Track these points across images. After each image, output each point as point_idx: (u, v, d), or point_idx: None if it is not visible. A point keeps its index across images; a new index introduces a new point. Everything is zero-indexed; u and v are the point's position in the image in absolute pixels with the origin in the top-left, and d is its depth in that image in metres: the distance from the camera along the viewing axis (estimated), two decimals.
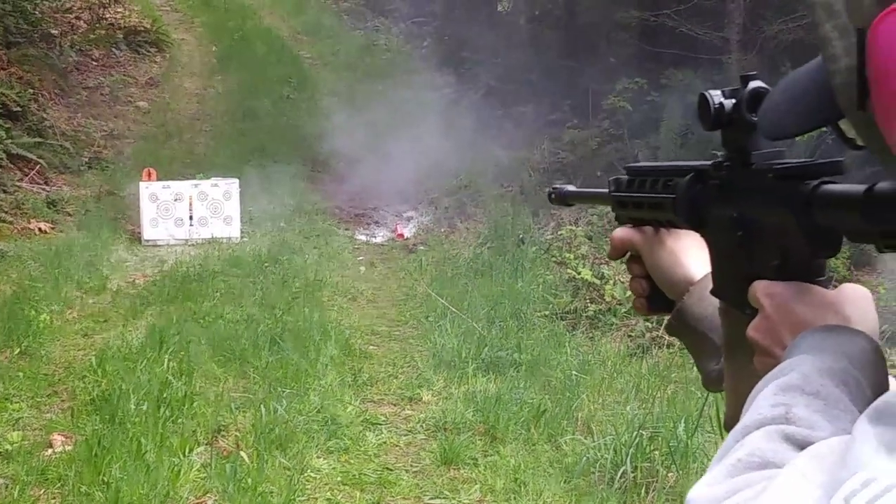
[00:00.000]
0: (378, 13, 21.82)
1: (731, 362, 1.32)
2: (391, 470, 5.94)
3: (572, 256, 9.73)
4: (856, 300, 1.21)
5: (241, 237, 11.12)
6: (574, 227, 10.63)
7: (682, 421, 6.01)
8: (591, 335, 8.45)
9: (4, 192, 11.15)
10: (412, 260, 10.73)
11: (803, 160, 1.24)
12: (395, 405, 6.92)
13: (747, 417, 1.05)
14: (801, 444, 0.96)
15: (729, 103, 1.31)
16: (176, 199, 11.04)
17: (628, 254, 1.62)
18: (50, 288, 8.88)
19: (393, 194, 13.11)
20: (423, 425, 6.56)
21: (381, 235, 11.92)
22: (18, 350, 7.43)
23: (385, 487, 5.72)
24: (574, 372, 7.30)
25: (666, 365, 7.51)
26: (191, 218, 11.07)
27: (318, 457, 5.99)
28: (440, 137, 13.42)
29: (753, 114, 1.28)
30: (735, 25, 12.97)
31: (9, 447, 5.89)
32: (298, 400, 6.63)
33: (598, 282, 9.01)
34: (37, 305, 8.34)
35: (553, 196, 1.90)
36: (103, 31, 17.19)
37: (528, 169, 13.47)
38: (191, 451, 5.87)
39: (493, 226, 11.55)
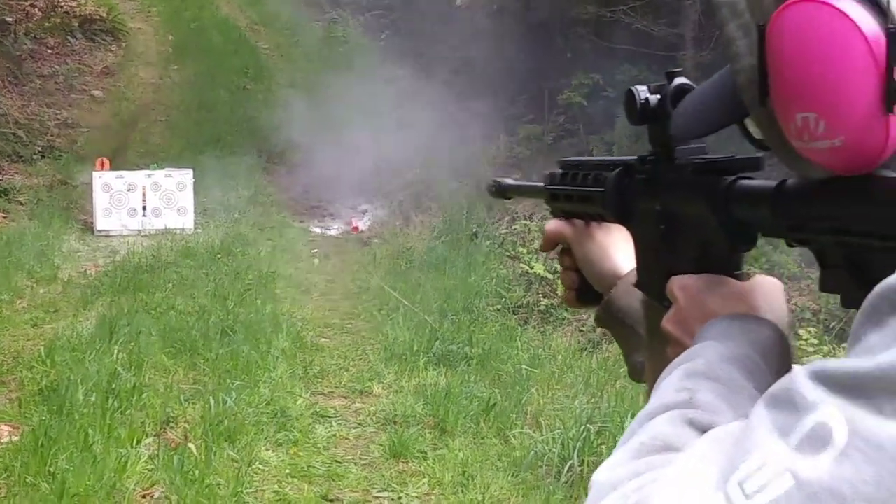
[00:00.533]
0: (336, 5, 21.74)
1: (652, 354, 1.34)
2: (340, 462, 5.95)
3: (525, 251, 9.77)
4: (766, 291, 1.23)
5: (195, 228, 11.09)
6: (528, 222, 10.66)
7: (630, 416, 6.03)
8: (542, 329, 8.49)
9: None
10: (366, 253, 10.74)
11: (723, 155, 1.26)
12: (345, 398, 6.92)
13: (652, 402, 1.07)
14: (704, 429, 0.98)
15: (654, 99, 1.32)
16: (129, 190, 10.99)
17: (559, 246, 1.63)
18: None
19: (349, 187, 13.09)
20: (373, 418, 6.57)
21: (335, 228, 11.91)
22: None
23: (333, 480, 5.72)
24: (524, 366, 7.32)
25: (615, 360, 7.54)
26: (144, 208, 11.03)
27: (266, 449, 5.99)
28: (397, 130, 13.42)
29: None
30: (690, 22, 13.03)
31: None
32: (248, 392, 6.62)
33: (550, 276, 9.05)
34: None
35: (493, 189, 1.92)
36: (59, 20, 17.02)
37: (484, 163, 13.46)
38: (139, 442, 5.85)
39: (448, 220, 11.56)
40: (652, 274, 1.38)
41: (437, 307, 8.58)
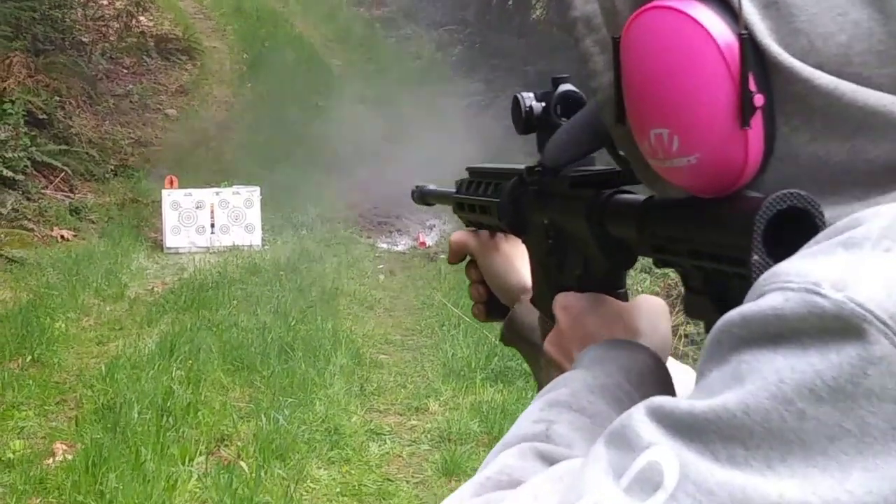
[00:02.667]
0: (410, 20, 21.80)
1: (547, 374, 1.26)
2: (392, 481, 5.92)
3: None
4: (649, 312, 1.18)
5: (263, 245, 11.13)
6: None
7: None
8: None
9: (28, 199, 11.21)
10: (432, 268, 10.71)
11: (601, 168, 1.22)
12: (401, 415, 6.90)
13: (509, 433, 1.03)
14: (555, 463, 0.94)
15: (539, 107, 1.29)
16: (198, 207, 11.07)
17: (467, 258, 1.58)
18: (67, 295, 8.91)
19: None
20: (428, 436, 6.54)
21: (402, 244, 11.89)
22: (30, 358, 7.46)
23: (384, 499, 5.71)
24: None
25: None
26: (212, 226, 11.10)
27: (318, 467, 5.98)
28: (467, 145, 13.37)
29: (562, 117, 1.26)
30: None
31: (11, 455, 5.91)
32: (303, 409, 6.63)
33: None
34: (52, 313, 8.38)
35: (414, 195, 1.87)
36: (134, 39, 17.24)
37: None
38: (191, 460, 5.87)
39: None
40: (542, 290, 1.34)
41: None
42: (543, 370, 1.27)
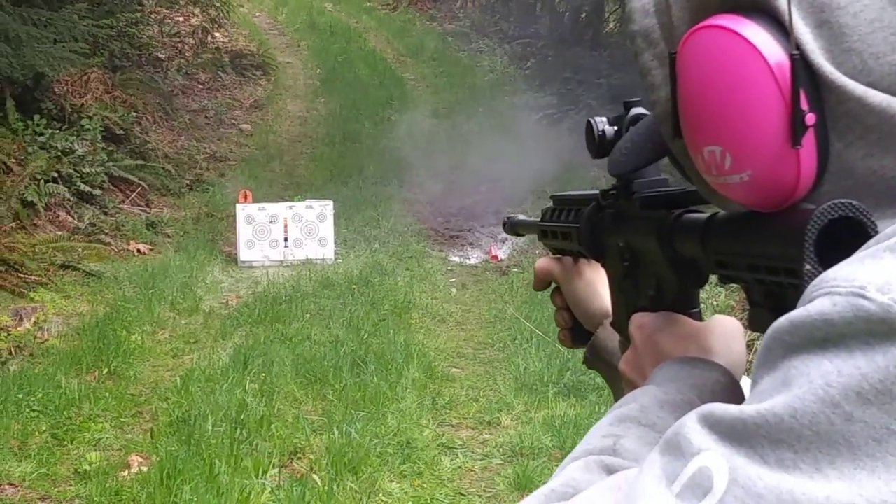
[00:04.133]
0: (482, 34, 21.85)
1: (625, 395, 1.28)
2: (464, 495, 5.92)
3: None
4: (723, 333, 1.18)
5: (335, 259, 11.18)
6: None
7: None
8: None
9: (105, 213, 11.37)
10: (504, 282, 10.68)
11: (672, 188, 1.23)
12: (473, 429, 6.89)
13: (578, 447, 1.05)
14: None
15: (611, 130, 1.30)
16: (271, 221, 11.15)
17: (552, 285, 1.59)
18: (143, 309, 9.02)
19: (489, 215, 13.07)
20: (500, 450, 6.52)
21: (474, 257, 11.88)
22: (107, 370, 7.56)
23: None
24: None
25: None
26: (286, 239, 11.16)
27: (390, 480, 5.99)
28: (539, 158, 13.36)
29: None
30: None
31: (87, 467, 5.98)
32: (375, 423, 6.64)
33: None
34: (129, 326, 8.49)
35: (505, 225, 1.90)
36: (210, 55, 17.47)
37: None
38: (264, 473, 5.91)
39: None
40: (620, 312, 1.36)
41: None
42: (622, 392, 1.27)
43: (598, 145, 1.30)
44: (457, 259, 11.79)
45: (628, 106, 1.30)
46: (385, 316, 9.04)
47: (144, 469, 5.93)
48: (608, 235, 1.36)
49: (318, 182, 13.51)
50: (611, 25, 20.65)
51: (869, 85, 0.87)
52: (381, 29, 22.42)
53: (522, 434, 6.67)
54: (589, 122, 1.31)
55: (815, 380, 0.76)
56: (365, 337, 8.30)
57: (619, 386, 1.40)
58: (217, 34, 18.29)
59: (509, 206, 12.84)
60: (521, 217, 1.90)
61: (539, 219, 1.64)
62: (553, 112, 16.84)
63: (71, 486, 5.83)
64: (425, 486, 5.98)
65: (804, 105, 0.87)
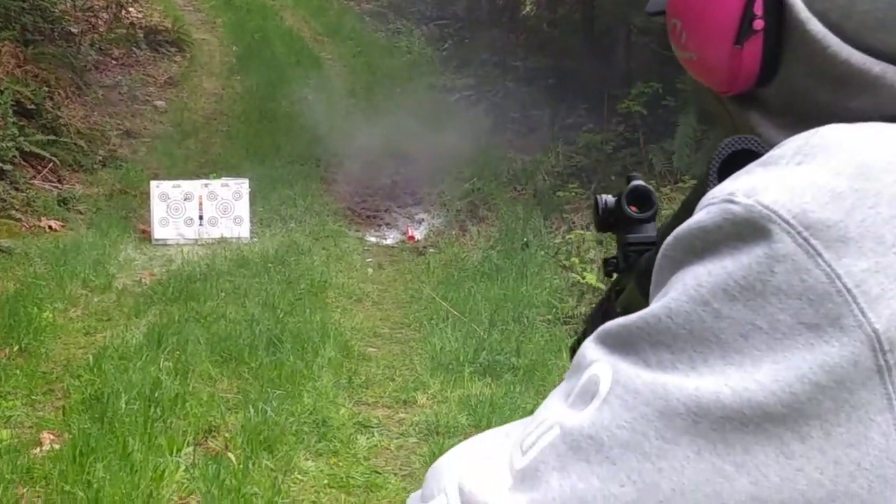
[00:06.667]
0: (400, 15, 21.79)
1: None
2: (379, 473, 5.92)
3: (578, 261, 9.68)
4: None
5: (251, 237, 11.11)
6: (583, 232, 10.57)
7: None
8: None
9: (16, 189, 11.16)
10: (421, 262, 10.69)
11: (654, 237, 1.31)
12: (389, 408, 6.90)
13: None
14: None
15: (612, 201, 1.36)
16: (186, 199, 11.04)
17: None
18: (55, 286, 8.89)
19: (406, 196, 13.09)
20: (416, 428, 6.54)
21: (391, 237, 11.87)
22: (18, 347, 7.43)
23: (372, 491, 5.70)
24: None
25: None
26: (201, 218, 11.07)
27: (306, 459, 5.98)
28: (456, 139, 13.40)
29: (632, 207, 1.34)
30: None
31: None
32: (291, 402, 6.62)
33: (602, 286, 8.95)
34: (40, 303, 8.35)
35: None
36: (124, 31, 17.20)
37: (543, 172, 13.39)
38: (179, 451, 5.86)
39: (504, 229, 11.51)
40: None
41: (487, 317, 8.53)
42: None
43: (602, 216, 1.36)
44: (373, 239, 11.78)
45: (629, 179, 1.36)
46: (301, 295, 9.01)
47: (57, 447, 5.86)
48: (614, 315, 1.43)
49: (234, 160, 13.40)
50: (528, 8, 20.71)
51: (819, 13, 0.93)
52: (297, 7, 22.25)
53: (438, 413, 6.69)
54: (596, 198, 1.38)
55: (688, 282, 0.81)
56: (281, 316, 8.26)
57: None
58: (131, 9, 18.03)
59: (426, 186, 12.90)
60: None
61: None
62: (470, 94, 16.87)
63: None
64: (341, 464, 5.98)
65: (757, 10, 0.94)
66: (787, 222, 0.79)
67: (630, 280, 1.28)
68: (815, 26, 0.92)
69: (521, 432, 0.89)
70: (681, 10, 1.01)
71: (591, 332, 1.45)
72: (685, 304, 0.80)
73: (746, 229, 0.80)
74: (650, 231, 1.33)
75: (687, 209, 1.00)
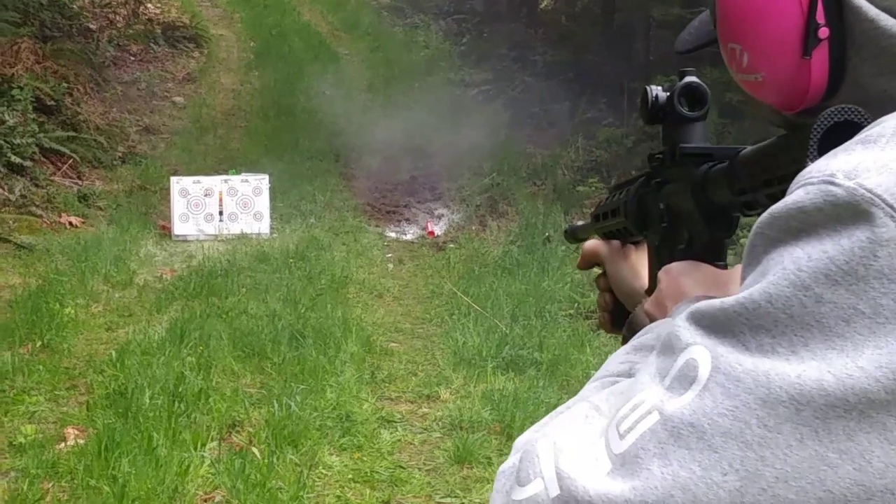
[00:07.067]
0: (418, 9, 21.79)
1: None
2: (404, 468, 5.90)
3: None
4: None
5: (271, 233, 11.12)
6: None
7: None
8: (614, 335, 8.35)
9: (36, 185, 11.20)
10: (441, 257, 10.69)
11: (712, 146, 1.28)
12: (412, 403, 6.88)
13: (596, 374, 1.14)
14: None
15: (664, 96, 1.34)
16: (206, 195, 11.05)
17: (597, 268, 1.65)
18: (76, 282, 8.91)
19: (425, 191, 13.08)
20: (439, 423, 6.52)
21: (411, 233, 11.87)
22: (41, 343, 7.45)
23: (396, 485, 5.68)
24: (594, 371, 7.21)
25: None
26: (220, 213, 11.08)
27: (330, 454, 5.96)
28: (475, 134, 13.38)
29: (685, 108, 1.31)
30: None
31: (22, 440, 5.90)
32: (314, 396, 6.61)
33: None
34: (62, 299, 8.37)
35: (566, 235, 1.97)
36: (141, 27, 17.23)
37: (562, 167, 13.38)
38: (203, 446, 5.85)
39: (524, 224, 11.49)
40: (654, 275, 1.41)
41: (509, 312, 8.52)
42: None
43: (651, 111, 1.34)
44: (393, 234, 11.78)
45: (682, 75, 1.34)
46: (322, 290, 9.00)
47: (81, 442, 5.85)
48: (652, 203, 1.41)
49: (253, 156, 13.40)
50: (546, 2, 20.68)
51: (884, 9, 0.93)
52: (315, 3, 22.26)
53: (461, 408, 6.68)
54: (645, 89, 1.36)
55: (787, 266, 0.81)
56: (302, 311, 8.25)
57: None
58: (149, 5, 18.04)
59: (445, 181, 12.89)
60: (579, 223, 1.93)
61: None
62: (489, 88, 16.86)
63: (6, 458, 5.73)
64: (365, 458, 5.96)
65: (820, 19, 0.94)
66: (892, 206, 0.78)
67: (683, 185, 1.27)
68: (888, 21, 0.92)
69: (615, 410, 0.90)
70: (739, 33, 1.01)
71: (622, 213, 1.49)
72: (786, 289, 0.80)
73: (847, 212, 0.79)
74: (699, 131, 1.31)
75: (767, 155, 1.03)
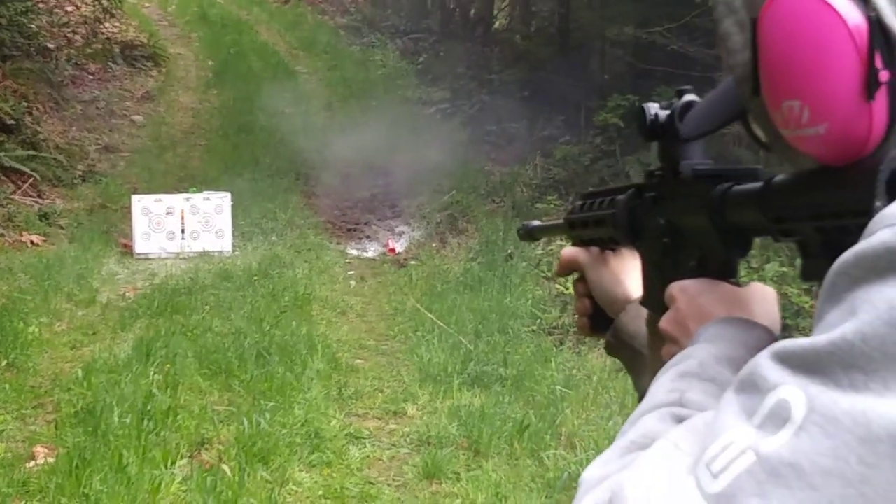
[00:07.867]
0: (374, 29, 21.87)
1: (654, 371, 1.36)
2: (373, 484, 5.95)
3: None
4: (762, 297, 1.28)
5: (233, 251, 11.13)
6: (565, 243, 10.63)
7: None
8: (577, 350, 8.45)
9: None
10: (403, 274, 10.74)
11: (722, 166, 1.30)
12: (379, 419, 6.93)
13: (644, 403, 1.10)
14: None
15: (663, 114, 1.36)
16: (168, 213, 11.05)
17: (575, 274, 1.67)
18: (39, 300, 8.89)
19: (385, 209, 13.15)
20: (407, 439, 6.58)
21: (372, 250, 11.92)
22: (5, 362, 7.43)
23: (366, 502, 5.74)
24: (559, 387, 7.31)
25: None
26: (182, 231, 11.08)
27: (300, 470, 6.00)
28: (434, 152, 13.46)
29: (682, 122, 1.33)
30: None
31: None
32: (283, 413, 6.64)
33: None
34: (25, 318, 8.34)
35: (521, 232, 1.98)
36: (100, 46, 17.22)
37: (521, 184, 13.46)
38: (173, 464, 5.88)
39: (484, 241, 11.56)
40: (654, 288, 1.42)
41: (472, 328, 8.59)
42: (654, 350, 1.37)
43: (650, 128, 1.36)
44: (355, 252, 11.83)
45: (680, 93, 1.36)
46: (286, 308, 9.04)
47: (51, 460, 5.86)
48: (647, 217, 1.44)
49: (213, 174, 13.42)
50: (499, 22, 20.82)
51: None
52: (272, 22, 22.32)
53: (429, 423, 6.73)
54: (642, 106, 1.37)
55: (879, 305, 0.82)
56: (267, 328, 8.28)
57: (637, 367, 1.52)
58: (107, 25, 18.02)
59: (405, 199, 12.95)
60: (536, 223, 1.99)
61: (565, 217, 1.71)
62: (446, 106, 16.95)
63: None
64: (335, 475, 6.01)
65: (878, 63, 0.94)
66: None
67: (691, 202, 1.29)
68: None
69: (698, 449, 0.90)
70: (796, 89, 0.99)
71: (609, 224, 1.52)
72: (879, 328, 0.81)
73: None
74: (698, 149, 1.34)
75: (814, 188, 1.05)
